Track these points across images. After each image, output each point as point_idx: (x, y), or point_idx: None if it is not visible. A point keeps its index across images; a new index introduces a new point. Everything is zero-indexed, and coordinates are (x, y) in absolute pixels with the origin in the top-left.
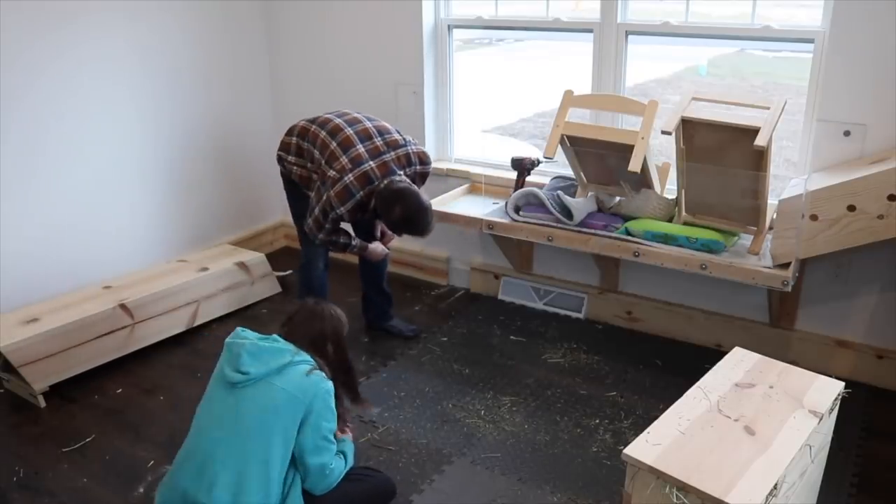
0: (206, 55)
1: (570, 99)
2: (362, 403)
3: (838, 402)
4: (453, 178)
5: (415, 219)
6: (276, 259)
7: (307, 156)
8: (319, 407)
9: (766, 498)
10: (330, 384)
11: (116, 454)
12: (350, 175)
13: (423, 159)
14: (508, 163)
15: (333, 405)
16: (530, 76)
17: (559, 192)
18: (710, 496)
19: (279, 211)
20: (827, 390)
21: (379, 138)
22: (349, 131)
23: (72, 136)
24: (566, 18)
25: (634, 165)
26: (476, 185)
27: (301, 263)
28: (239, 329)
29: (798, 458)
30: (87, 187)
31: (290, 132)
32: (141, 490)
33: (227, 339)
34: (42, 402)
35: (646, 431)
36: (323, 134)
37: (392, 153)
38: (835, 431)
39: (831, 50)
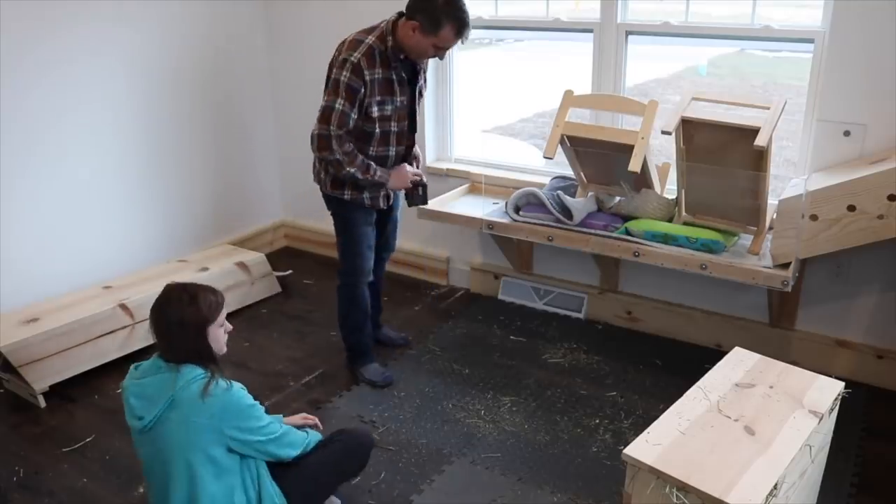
0: (206, 54)
1: (570, 99)
2: None
3: (838, 402)
4: (453, 178)
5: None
6: (276, 259)
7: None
8: (234, 416)
9: (766, 498)
10: (234, 390)
11: (116, 454)
12: (351, 35)
13: None
14: (508, 163)
15: (249, 400)
16: (530, 76)
17: (559, 192)
18: (710, 496)
19: (279, 211)
20: (827, 390)
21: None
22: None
23: (72, 136)
24: (566, 18)
25: (634, 165)
26: (476, 185)
27: (340, 283)
28: (132, 367)
29: (798, 458)
30: (88, 187)
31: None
32: (141, 490)
33: (122, 383)
34: (42, 402)
35: (646, 431)
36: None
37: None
38: (835, 431)
39: (831, 50)
